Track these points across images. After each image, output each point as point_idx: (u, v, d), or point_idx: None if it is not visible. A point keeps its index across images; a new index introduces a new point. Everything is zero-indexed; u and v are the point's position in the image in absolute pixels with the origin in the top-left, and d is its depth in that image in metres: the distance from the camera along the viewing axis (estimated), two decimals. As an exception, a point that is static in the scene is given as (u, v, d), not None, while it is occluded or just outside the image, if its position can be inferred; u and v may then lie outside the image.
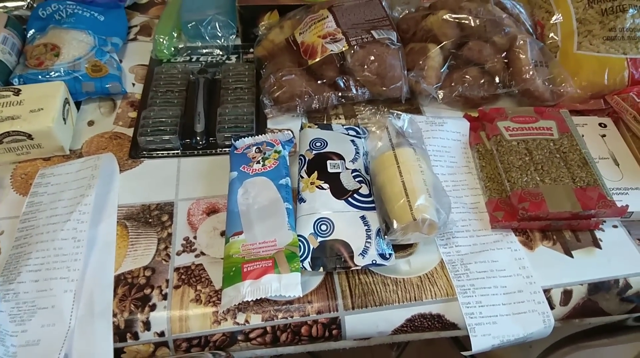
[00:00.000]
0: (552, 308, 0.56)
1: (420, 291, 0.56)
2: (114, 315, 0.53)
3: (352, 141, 0.67)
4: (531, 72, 0.72)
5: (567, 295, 0.57)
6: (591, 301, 0.58)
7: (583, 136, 0.70)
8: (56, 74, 0.74)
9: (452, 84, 0.74)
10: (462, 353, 0.56)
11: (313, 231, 0.57)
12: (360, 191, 0.61)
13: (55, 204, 0.60)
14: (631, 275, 0.58)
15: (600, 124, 0.74)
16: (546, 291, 0.57)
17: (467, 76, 0.74)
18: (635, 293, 0.58)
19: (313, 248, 0.56)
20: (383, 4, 0.79)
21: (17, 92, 0.68)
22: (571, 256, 0.60)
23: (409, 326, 0.56)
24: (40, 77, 0.73)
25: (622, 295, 0.58)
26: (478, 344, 0.53)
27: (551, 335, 0.56)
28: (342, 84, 0.73)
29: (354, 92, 0.73)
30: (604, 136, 0.72)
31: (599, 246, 0.61)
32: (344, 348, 0.60)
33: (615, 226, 0.63)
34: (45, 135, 0.66)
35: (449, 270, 0.58)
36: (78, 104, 0.76)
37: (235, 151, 0.66)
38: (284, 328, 0.54)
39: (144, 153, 0.69)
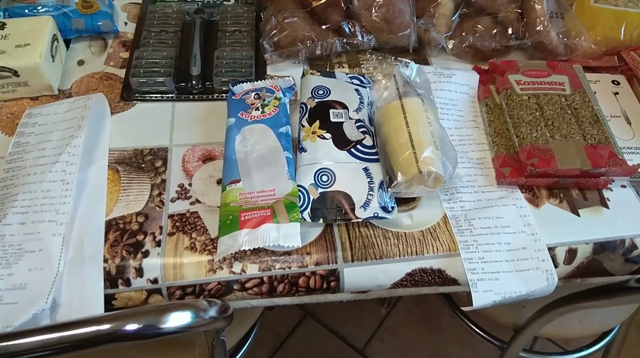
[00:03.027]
0: (556, 266, 0.55)
1: (421, 246, 0.55)
2: (105, 261, 0.51)
3: (357, 90, 0.64)
4: (546, 24, 0.69)
5: (571, 253, 0.56)
6: (596, 261, 0.57)
7: (595, 93, 0.67)
8: (44, 9, 0.70)
9: (463, 33, 0.70)
10: (461, 308, 0.55)
11: (313, 182, 0.55)
12: (363, 142, 0.58)
13: (43, 145, 0.58)
14: (637, 236, 0.57)
15: (613, 82, 0.71)
16: (551, 249, 0.55)
17: (478, 26, 0.70)
18: (640, 254, 0.57)
19: (313, 198, 0.54)
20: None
21: (2, 26, 0.64)
22: (577, 214, 0.58)
23: (409, 280, 0.55)
24: (26, 11, 0.69)
25: (627, 256, 0.57)
26: (479, 300, 0.52)
27: (550, 294, 0.56)
28: (347, 30, 0.69)
29: (360, 38, 0.70)
30: (616, 93, 0.69)
31: (606, 206, 0.59)
32: (341, 301, 0.58)
33: (623, 186, 0.61)
34: (32, 72, 0.62)
35: (452, 225, 0.56)
36: (67, 43, 0.72)
37: (233, 97, 0.63)
38: (282, 278, 0.53)
39: (137, 95, 0.66)
